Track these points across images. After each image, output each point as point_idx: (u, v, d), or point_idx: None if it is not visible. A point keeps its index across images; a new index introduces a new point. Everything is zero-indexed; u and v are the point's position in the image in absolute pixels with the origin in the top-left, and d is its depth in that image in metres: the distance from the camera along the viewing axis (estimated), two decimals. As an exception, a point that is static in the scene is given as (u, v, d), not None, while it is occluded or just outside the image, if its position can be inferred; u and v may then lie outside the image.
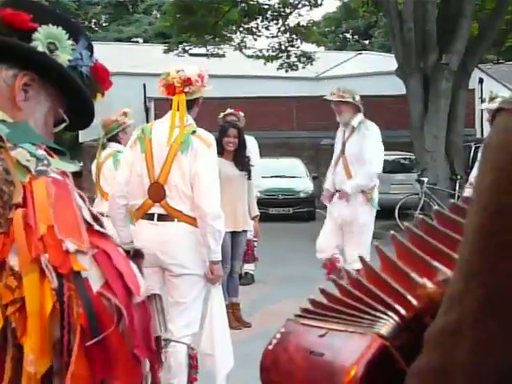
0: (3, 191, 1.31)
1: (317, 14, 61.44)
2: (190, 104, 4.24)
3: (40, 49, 1.52)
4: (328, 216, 6.82)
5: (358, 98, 6.60)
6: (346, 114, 6.58)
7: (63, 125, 1.64)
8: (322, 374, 0.75)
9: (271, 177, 15.98)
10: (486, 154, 0.67)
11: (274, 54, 21.99)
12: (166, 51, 21.93)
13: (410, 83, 15.29)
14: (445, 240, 0.84)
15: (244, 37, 22.53)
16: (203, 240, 4.08)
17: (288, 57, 22.13)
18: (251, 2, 21.01)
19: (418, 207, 13.33)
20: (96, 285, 1.26)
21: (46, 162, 1.38)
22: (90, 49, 1.64)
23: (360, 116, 6.62)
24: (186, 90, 4.19)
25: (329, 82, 27.47)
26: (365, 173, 6.51)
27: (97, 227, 1.34)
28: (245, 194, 6.80)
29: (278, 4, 21.55)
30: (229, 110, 7.85)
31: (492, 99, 6.97)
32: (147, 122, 18.27)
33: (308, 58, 22.26)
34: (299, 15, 22.13)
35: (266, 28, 22.01)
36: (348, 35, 45.55)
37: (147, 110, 23.04)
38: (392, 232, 0.93)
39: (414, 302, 0.78)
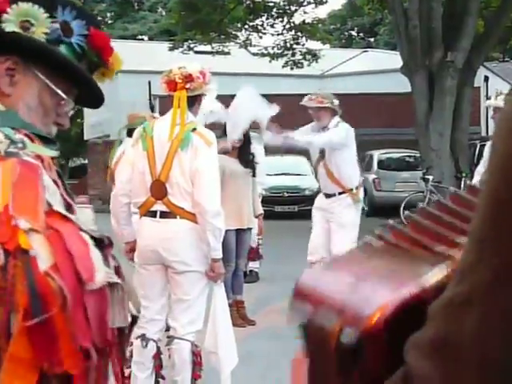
0: None
1: (322, 12, 61.40)
2: (192, 101, 4.24)
3: (10, 29, 1.47)
4: (315, 219, 6.85)
5: (336, 102, 6.60)
6: (324, 119, 6.58)
7: (70, 102, 1.59)
8: (353, 299, 0.74)
9: (276, 174, 15.97)
10: (502, 122, 0.65)
11: (280, 51, 21.99)
12: (171, 49, 21.94)
13: (415, 81, 15.26)
14: (463, 219, 0.81)
15: (249, 34, 22.55)
16: (203, 237, 4.09)
17: (293, 54, 22.12)
18: (256, 0, 21.00)
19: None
20: (43, 264, 1.21)
21: (20, 145, 1.35)
22: (86, 17, 1.57)
23: (336, 119, 6.63)
24: (188, 86, 4.19)
25: (334, 80, 27.49)
26: (316, 139, 6.53)
27: (57, 208, 1.30)
28: (250, 191, 6.80)
29: (284, 1, 21.54)
30: (234, 108, 7.85)
31: (497, 96, 6.95)
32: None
33: (313, 56, 22.25)
34: (304, 13, 22.15)
35: (272, 25, 22.03)
36: (353, 33, 45.52)
37: (152, 107, 23.05)
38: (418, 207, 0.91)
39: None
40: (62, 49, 1.53)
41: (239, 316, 6.62)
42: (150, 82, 22.76)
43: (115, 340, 1.32)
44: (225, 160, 6.13)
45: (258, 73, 25.26)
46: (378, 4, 23.30)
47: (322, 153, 6.69)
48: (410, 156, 18.24)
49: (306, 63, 22.23)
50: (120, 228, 4.42)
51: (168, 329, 4.36)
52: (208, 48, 21.84)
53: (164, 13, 38.93)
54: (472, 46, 15.11)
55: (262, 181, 7.71)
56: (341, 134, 6.55)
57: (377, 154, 18.22)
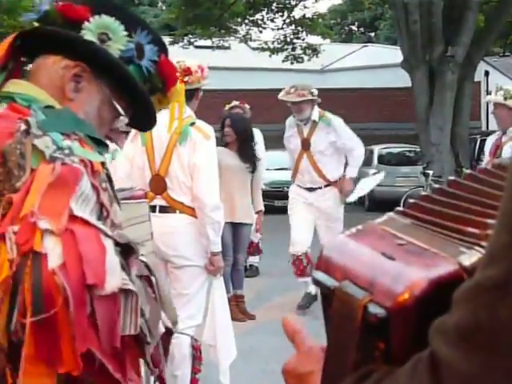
0: (13, 174, 1.30)
1: (322, 6, 61.24)
2: (190, 95, 4.23)
3: (88, 37, 1.49)
4: (295, 210, 6.86)
5: (315, 91, 6.48)
6: (305, 111, 6.45)
7: (124, 119, 1.61)
8: (383, 274, 0.72)
9: (276, 169, 15.96)
10: None
11: (280, 46, 21.95)
12: (171, 43, 21.88)
13: (415, 75, 15.25)
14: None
15: (249, 29, 22.51)
16: (203, 231, 4.09)
17: (293, 49, 22.08)
18: (256, -6, 20.97)
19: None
20: (52, 263, 1.21)
21: (67, 151, 1.35)
22: (159, 44, 1.61)
23: (317, 109, 6.55)
24: (186, 79, 4.19)
25: (334, 75, 27.46)
26: (357, 156, 6.56)
27: (77, 213, 1.29)
28: (246, 186, 6.77)
29: (284, -4, 21.51)
30: (234, 102, 7.85)
31: (497, 92, 6.93)
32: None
33: (313, 51, 22.20)
34: (305, 7, 22.11)
35: (272, 20, 21.98)
36: (354, 27, 45.43)
37: (152, 102, 23.03)
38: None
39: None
40: (131, 69, 1.56)
41: (239, 310, 6.62)
42: (149, 77, 22.73)
43: (128, 347, 1.30)
44: (222, 153, 6.12)
45: (258, 67, 25.25)
46: (379, -2, 23.27)
47: (306, 145, 6.62)
48: (410, 151, 18.22)
49: (306, 58, 22.18)
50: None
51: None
52: (208, 43, 21.82)
53: (164, 7, 38.88)
54: (472, 40, 15.10)
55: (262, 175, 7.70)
56: (350, 130, 6.58)
57: (377, 149, 18.19)
